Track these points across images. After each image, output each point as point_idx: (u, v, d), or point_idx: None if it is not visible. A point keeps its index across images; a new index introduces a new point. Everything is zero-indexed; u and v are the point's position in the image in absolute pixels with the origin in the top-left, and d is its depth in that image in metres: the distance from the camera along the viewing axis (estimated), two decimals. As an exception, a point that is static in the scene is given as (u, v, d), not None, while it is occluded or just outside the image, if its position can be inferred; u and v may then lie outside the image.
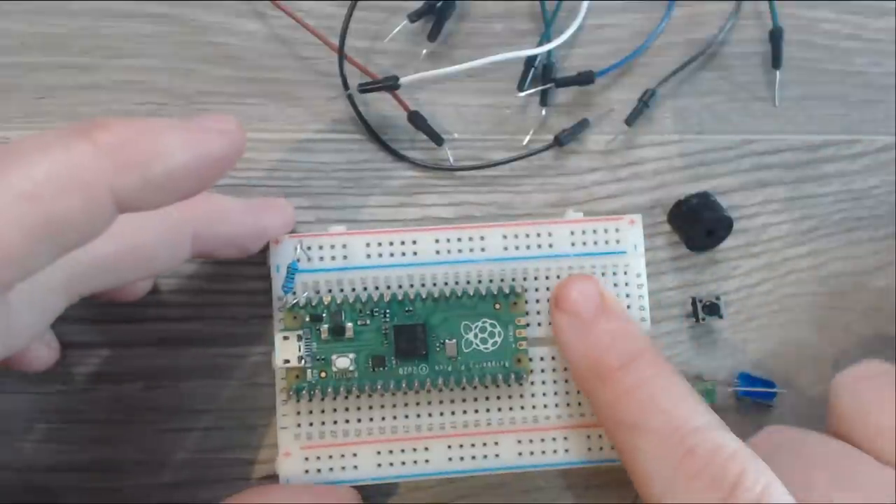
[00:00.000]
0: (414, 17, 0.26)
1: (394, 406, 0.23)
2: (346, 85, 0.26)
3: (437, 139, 0.26)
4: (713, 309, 0.25)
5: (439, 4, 0.26)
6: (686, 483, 0.18)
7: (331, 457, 0.23)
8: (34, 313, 0.19)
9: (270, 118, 0.26)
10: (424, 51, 0.26)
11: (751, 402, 0.26)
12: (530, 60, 0.26)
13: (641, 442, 0.20)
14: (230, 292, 0.25)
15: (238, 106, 0.26)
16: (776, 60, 0.27)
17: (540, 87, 0.26)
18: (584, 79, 0.26)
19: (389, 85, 0.25)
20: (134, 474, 0.24)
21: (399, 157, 0.26)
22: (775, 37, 0.27)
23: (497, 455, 0.23)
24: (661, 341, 0.26)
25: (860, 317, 0.27)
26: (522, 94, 0.26)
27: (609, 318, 0.22)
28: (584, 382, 0.22)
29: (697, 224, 0.25)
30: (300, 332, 0.23)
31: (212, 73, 0.26)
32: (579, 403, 0.24)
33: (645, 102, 0.26)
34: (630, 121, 0.26)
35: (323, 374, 0.23)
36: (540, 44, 0.26)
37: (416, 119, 0.26)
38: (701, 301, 0.25)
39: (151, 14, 0.26)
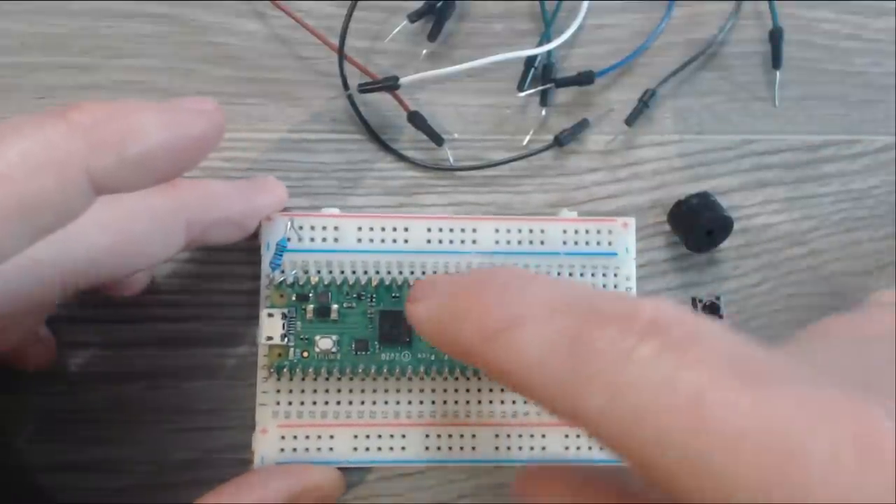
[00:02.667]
0: (414, 17, 0.26)
1: (374, 391, 0.23)
2: (346, 85, 0.26)
3: (437, 139, 0.26)
4: (713, 309, 0.25)
5: (439, 4, 0.26)
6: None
7: (307, 437, 0.23)
8: (29, 307, 0.19)
9: (270, 118, 0.26)
10: (424, 51, 0.26)
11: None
12: (530, 60, 0.26)
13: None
14: (230, 292, 0.25)
15: (238, 106, 0.26)
16: (776, 60, 0.27)
17: (540, 87, 0.26)
18: (584, 79, 0.26)
19: (389, 85, 0.25)
20: (134, 474, 0.24)
21: (399, 157, 0.26)
22: (775, 37, 0.27)
23: (474, 448, 0.23)
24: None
25: (860, 317, 0.27)
26: (522, 94, 0.26)
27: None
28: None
29: (697, 224, 0.25)
30: (285, 311, 0.23)
31: (212, 73, 0.26)
32: None
33: (645, 102, 0.26)
34: (630, 121, 0.26)
35: (305, 354, 0.23)
36: (540, 44, 0.26)
37: (416, 119, 0.26)
38: (701, 301, 0.25)
39: (151, 14, 0.26)
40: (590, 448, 0.24)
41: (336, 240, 0.24)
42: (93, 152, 0.15)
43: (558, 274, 0.24)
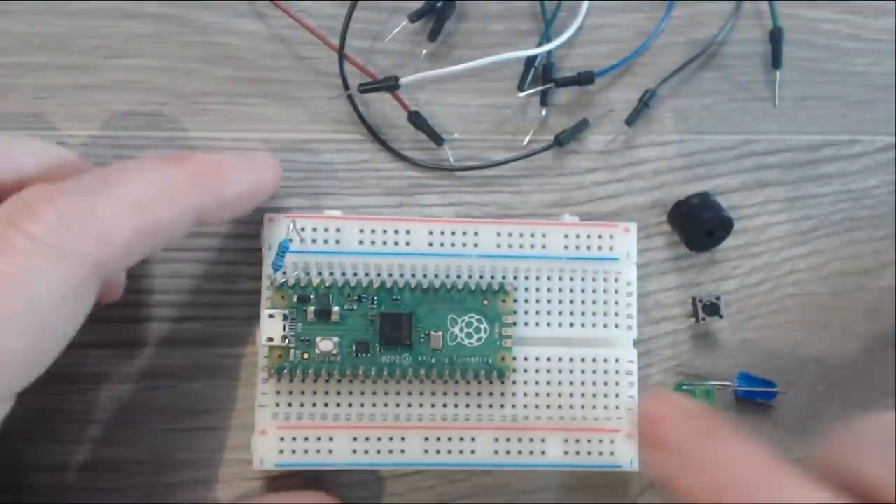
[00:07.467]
0: (414, 17, 0.26)
1: (374, 393, 0.23)
2: (346, 85, 0.26)
3: (437, 139, 0.26)
4: (713, 309, 0.25)
5: (439, 4, 0.26)
6: None
7: (307, 439, 0.23)
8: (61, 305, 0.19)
9: (270, 118, 0.26)
10: (424, 51, 0.26)
11: (751, 402, 0.26)
12: (530, 60, 0.26)
13: None
14: (230, 292, 0.25)
15: (238, 106, 0.26)
16: (776, 60, 0.27)
17: (540, 88, 0.26)
18: (584, 79, 0.26)
19: (389, 85, 0.25)
20: (134, 474, 0.24)
21: (399, 157, 0.26)
22: (775, 37, 0.27)
23: (473, 451, 0.23)
24: (662, 341, 0.26)
25: (860, 317, 0.27)
26: (522, 94, 0.26)
27: (712, 441, 0.19)
28: None
29: (697, 224, 0.25)
30: (286, 312, 0.23)
31: (212, 73, 0.26)
32: (559, 406, 0.24)
33: (645, 102, 0.26)
34: (630, 121, 0.26)
35: (305, 356, 0.23)
36: (540, 44, 0.26)
37: (416, 119, 0.26)
38: (701, 301, 0.25)
39: (151, 14, 0.26)
40: (588, 454, 0.24)
41: (338, 241, 0.24)
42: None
43: (559, 279, 0.24)
